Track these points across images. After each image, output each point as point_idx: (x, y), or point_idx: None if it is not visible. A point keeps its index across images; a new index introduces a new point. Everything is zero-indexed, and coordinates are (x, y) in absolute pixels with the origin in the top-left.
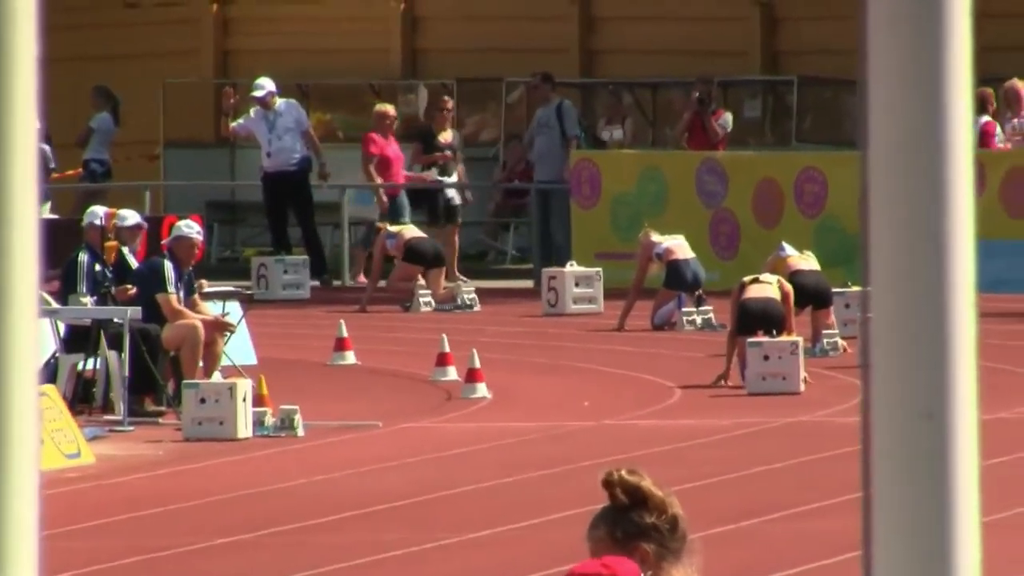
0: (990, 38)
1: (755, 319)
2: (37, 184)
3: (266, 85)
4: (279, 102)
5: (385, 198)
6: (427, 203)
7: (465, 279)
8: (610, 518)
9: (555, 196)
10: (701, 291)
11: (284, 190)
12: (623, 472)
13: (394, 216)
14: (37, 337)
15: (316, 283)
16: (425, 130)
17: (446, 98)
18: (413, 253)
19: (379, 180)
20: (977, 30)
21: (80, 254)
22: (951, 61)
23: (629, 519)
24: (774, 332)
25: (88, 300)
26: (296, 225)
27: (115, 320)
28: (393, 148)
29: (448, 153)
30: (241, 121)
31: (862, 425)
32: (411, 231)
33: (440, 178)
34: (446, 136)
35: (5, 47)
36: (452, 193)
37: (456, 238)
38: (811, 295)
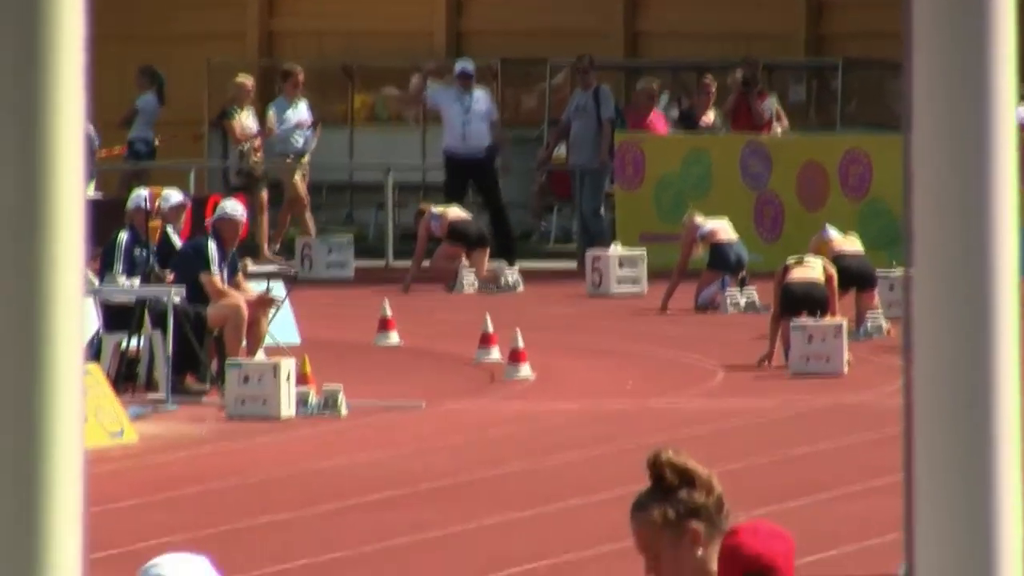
0: None
1: (799, 301)
2: (83, 163)
3: (469, 66)
4: (475, 88)
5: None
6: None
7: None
8: (659, 498)
9: (589, 178)
10: (744, 273)
11: (469, 174)
12: (669, 453)
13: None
14: (83, 315)
15: (511, 268)
16: None
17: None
18: (457, 233)
19: None
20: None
21: (120, 233)
22: (995, 45)
23: (679, 499)
24: (818, 314)
25: (123, 280)
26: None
27: (161, 299)
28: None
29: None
30: (438, 89)
31: (904, 408)
32: (455, 212)
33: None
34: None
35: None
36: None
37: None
38: (855, 277)
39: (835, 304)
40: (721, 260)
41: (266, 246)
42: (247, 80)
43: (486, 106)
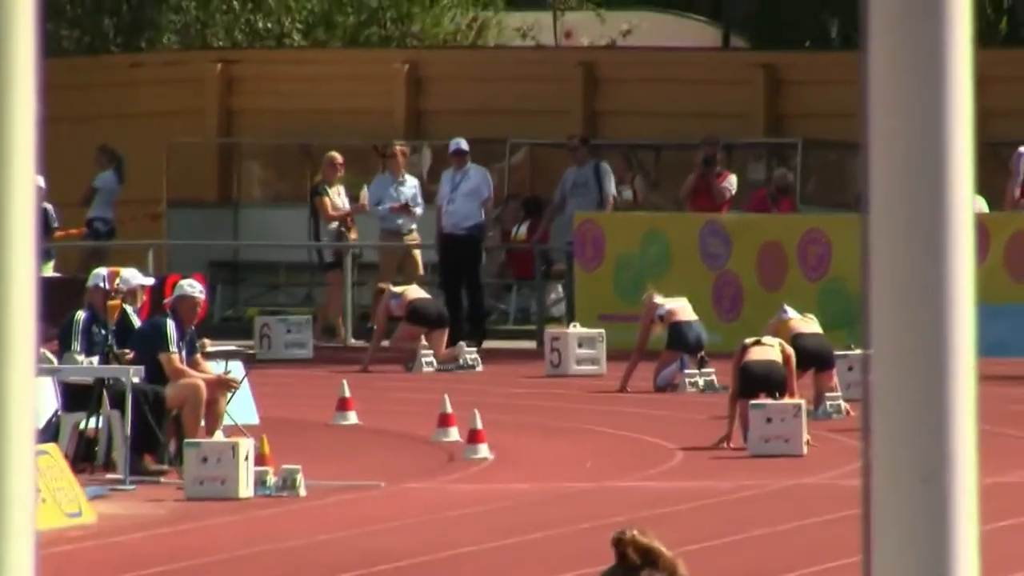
0: (992, 102)
1: (757, 381)
2: (37, 242)
3: (463, 144)
4: (469, 166)
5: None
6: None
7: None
8: None
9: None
10: (703, 353)
11: (451, 251)
12: (634, 532)
13: None
14: (34, 395)
15: (470, 347)
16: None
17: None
18: (417, 314)
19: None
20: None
21: (77, 313)
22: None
23: None
24: (776, 395)
25: (82, 358)
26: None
27: (120, 379)
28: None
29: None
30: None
31: (863, 489)
32: (415, 292)
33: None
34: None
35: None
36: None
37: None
38: (813, 358)
39: (793, 385)
40: (680, 340)
41: (340, 324)
42: (337, 157)
43: (475, 184)
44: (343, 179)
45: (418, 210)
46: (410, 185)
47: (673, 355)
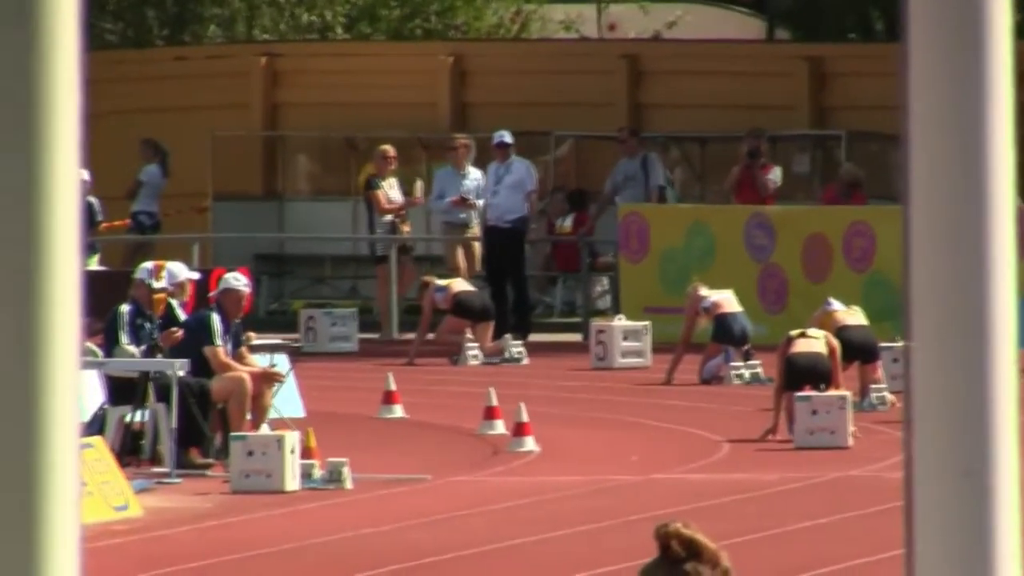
0: None
1: (802, 373)
2: (81, 236)
3: (507, 137)
4: (513, 159)
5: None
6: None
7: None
8: (664, 570)
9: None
10: (749, 345)
11: (496, 244)
12: (678, 525)
13: None
14: (76, 388)
15: (515, 340)
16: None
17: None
18: (462, 306)
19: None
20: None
21: (122, 306)
22: (993, 118)
23: (684, 571)
24: (821, 387)
25: (133, 349)
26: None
27: (165, 372)
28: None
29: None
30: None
31: (905, 482)
32: (460, 284)
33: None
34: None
35: (48, 98)
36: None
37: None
38: (858, 349)
39: (839, 377)
40: (725, 332)
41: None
42: (389, 150)
43: (518, 177)
44: (395, 172)
45: (480, 203)
46: (472, 178)
47: (718, 347)
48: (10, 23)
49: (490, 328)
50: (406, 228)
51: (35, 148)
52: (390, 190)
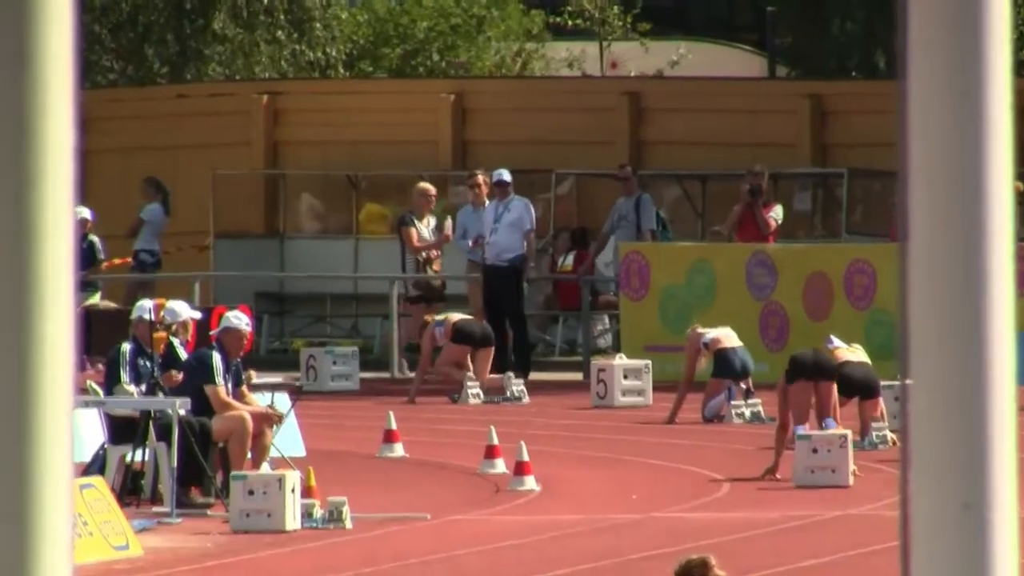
0: None
1: (808, 367)
2: (75, 275)
3: (506, 175)
4: (512, 197)
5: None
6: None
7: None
8: None
9: None
10: (750, 383)
11: (493, 283)
12: (698, 560)
13: None
14: (70, 429)
15: (516, 379)
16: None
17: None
18: (461, 333)
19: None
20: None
21: (123, 344)
22: (991, 156)
23: None
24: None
25: (133, 389)
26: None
27: (166, 411)
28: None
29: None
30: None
31: (900, 521)
32: (457, 315)
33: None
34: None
35: (40, 137)
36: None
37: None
38: (859, 386)
39: (836, 409)
40: (726, 366)
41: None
42: (429, 188)
43: (517, 215)
44: (434, 211)
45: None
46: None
47: (721, 383)
48: (6, 64)
49: (490, 355)
50: (436, 267)
51: (29, 189)
52: (424, 229)
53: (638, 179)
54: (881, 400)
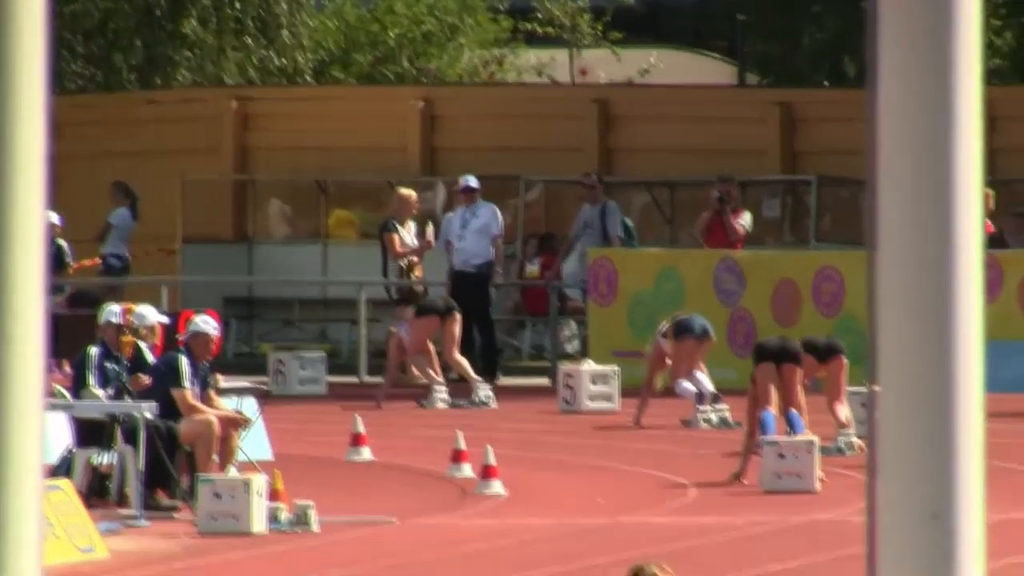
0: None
1: (773, 351)
2: (46, 279)
3: (472, 181)
4: (479, 203)
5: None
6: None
7: (480, 379)
8: None
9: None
10: (715, 391)
11: (461, 288)
12: (653, 567)
13: None
14: (42, 431)
15: (488, 387)
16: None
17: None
18: (424, 308)
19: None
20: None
21: (90, 348)
22: (960, 165)
23: None
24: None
25: (100, 392)
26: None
27: (133, 415)
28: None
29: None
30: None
31: (867, 529)
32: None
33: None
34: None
35: (12, 143)
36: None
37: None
38: (823, 349)
39: (802, 398)
40: (687, 328)
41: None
42: (411, 194)
43: (484, 221)
44: (415, 217)
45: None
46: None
47: (683, 346)
48: None
49: (457, 324)
50: (418, 273)
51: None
52: (407, 235)
53: (606, 186)
54: (844, 358)
